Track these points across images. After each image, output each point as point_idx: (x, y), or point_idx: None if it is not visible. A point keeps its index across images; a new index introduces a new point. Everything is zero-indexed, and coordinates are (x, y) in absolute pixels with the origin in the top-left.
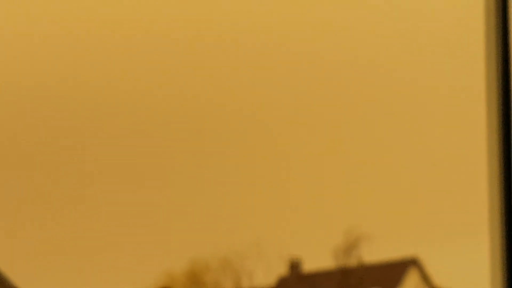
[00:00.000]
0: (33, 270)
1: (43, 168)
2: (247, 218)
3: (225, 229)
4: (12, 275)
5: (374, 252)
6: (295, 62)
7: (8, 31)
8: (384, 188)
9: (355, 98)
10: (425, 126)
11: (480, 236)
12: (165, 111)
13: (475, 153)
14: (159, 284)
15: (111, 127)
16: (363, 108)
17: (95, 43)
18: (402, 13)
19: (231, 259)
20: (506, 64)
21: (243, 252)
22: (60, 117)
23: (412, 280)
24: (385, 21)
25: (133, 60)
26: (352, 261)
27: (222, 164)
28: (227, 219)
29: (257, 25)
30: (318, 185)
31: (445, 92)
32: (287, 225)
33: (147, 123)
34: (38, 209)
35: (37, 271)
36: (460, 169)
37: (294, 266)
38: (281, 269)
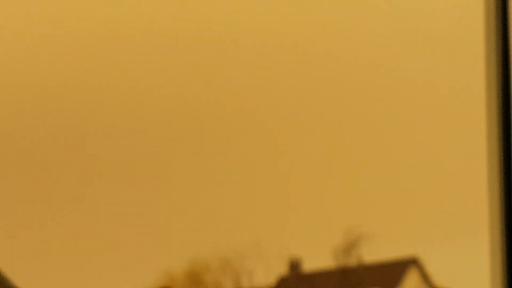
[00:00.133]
0: (33, 270)
1: (43, 168)
2: (247, 218)
3: (225, 229)
4: (12, 275)
5: (374, 252)
6: (295, 62)
7: (8, 31)
8: (384, 188)
9: (355, 98)
10: (425, 126)
11: (480, 236)
12: (165, 111)
13: (475, 153)
14: (159, 284)
15: (111, 127)
16: (363, 108)
17: (95, 43)
18: (402, 13)
19: (231, 259)
20: (506, 64)
21: (243, 252)
22: (60, 117)
23: (412, 280)
24: (385, 21)
25: (133, 60)
26: (352, 261)
27: (222, 164)
28: (227, 219)
29: (257, 25)
30: (318, 185)
31: (445, 92)
32: (287, 225)
33: (147, 123)
34: (38, 209)
35: (37, 271)
36: (460, 169)
37: (294, 266)
38: (281, 269)
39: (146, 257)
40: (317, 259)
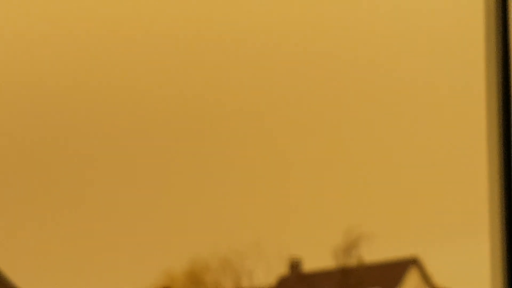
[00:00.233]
0: (33, 270)
1: (43, 168)
2: (247, 218)
3: (225, 229)
4: (12, 275)
5: (374, 252)
6: (295, 63)
7: (8, 31)
8: (384, 188)
9: (355, 98)
10: (425, 126)
11: (480, 236)
12: (165, 111)
13: (475, 153)
14: (159, 284)
15: (111, 127)
16: (363, 108)
17: (95, 43)
18: (402, 13)
19: (231, 259)
20: (506, 64)
21: (243, 252)
22: (60, 117)
23: (412, 280)
24: (385, 21)
25: (133, 60)
26: (352, 261)
27: (222, 164)
28: (227, 219)
29: (257, 25)
30: (318, 185)
31: (445, 92)
32: (287, 225)
33: (147, 123)
34: (38, 209)
35: (37, 271)
36: (460, 169)
37: (294, 266)
38: (281, 269)
39: (146, 257)
40: (317, 259)
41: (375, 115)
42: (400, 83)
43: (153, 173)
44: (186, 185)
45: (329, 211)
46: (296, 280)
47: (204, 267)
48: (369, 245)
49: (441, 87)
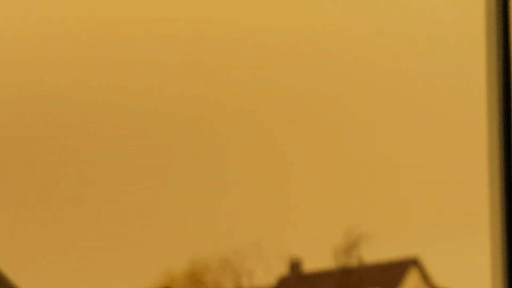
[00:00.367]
0: (33, 270)
1: (43, 168)
2: (247, 218)
3: (225, 229)
4: (12, 275)
5: (375, 252)
6: (295, 63)
7: (8, 31)
8: (385, 188)
9: (355, 98)
10: (425, 126)
11: (480, 236)
12: (165, 111)
13: (475, 153)
14: (159, 284)
15: (111, 127)
16: (363, 108)
17: (95, 43)
18: (402, 14)
19: (231, 259)
20: (507, 63)
21: (243, 252)
22: (60, 117)
23: (412, 280)
24: (386, 21)
25: (133, 60)
26: (352, 261)
27: (222, 164)
28: (227, 219)
29: (257, 25)
30: (318, 185)
31: (445, 92)
32: (287, 225)
33: (148, 123)
34: (38, 209)
35: (37, 271)
36: (460, 169)
37: (295, 266)
38: (281, 269)
39: (147, 257)
40: (318, 259)
41: (375, 115)
42: (400, 83)
43: (153, 173)
44: (186, 185)
45: (329, 211)
46: (296, 280)
47: (204, 267)
48: (369, 245)
49: (442, 88)
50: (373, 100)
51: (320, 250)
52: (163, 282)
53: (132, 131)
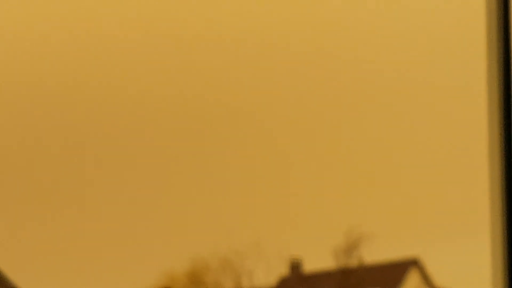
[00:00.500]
0: (33, 270)
1: (44, 168)
2: (248, 218)
3: (226, 229)
4: (12, 275)
5: (375, 253)
6: (295, 63)
7: (8, 31)
8: (385, 188)
9: (356, 98)
10: (426, 126)
11: (481, 236)
12: (165, 111)
13: (476, 153)
14: (160, 284)
15: (111, 127)
16: (364, 108)
17: (95, 43)
18: (402, 13)
19: (232, 259)
20: (507, 63)
21: (243, 252)
22: (61, 117)
23: (412, 280)
24: (386, 21)
25: (133, 60)
26: (352, 262)
27: (223, 164)
28: (227, 219)
29: (257, 25)
30: (318, 185)
31: (446, 92)
32: (287, 225)
33: (148, 123)
34: (38, 209)
35: (37, 271)
36: (461, 169)
37: (295, 266)
38: (281, 269)
39: (147, 258)
40: (318, 260)
41: (375, 115)
42: (400, 83)
43: (153, 173)
44: (187, 186)
45: (329, 212)
46: (297, 280)
47: (205, 267)
48: (369, 245)
49: (442, 87)
50: (373, 100)
51: (320, 251)
52: (164, 282)
53: (132, 131)
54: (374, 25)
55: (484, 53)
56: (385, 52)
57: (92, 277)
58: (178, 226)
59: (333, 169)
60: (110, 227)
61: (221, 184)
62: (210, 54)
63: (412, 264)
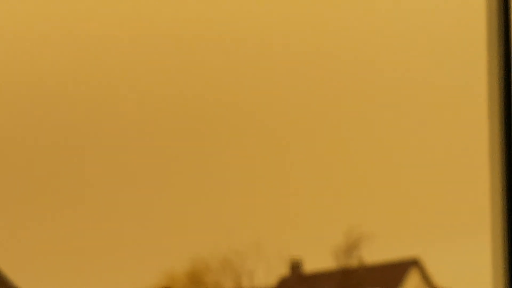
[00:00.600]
0: (33, 270)
1: (44, 168)
2: (248, 219)
3: (226, 229)
4: (12, 275)
5: (375, 253)
6: (295, 62)
7: (8, 31)
8: (385, 188)
9: (356, 98)
10: (426, 125)
11: (481, 236)
12: (165, 111)
13: (476, 153)
14: (160, 284)
15: (111, 126)
16: (364, 108)
17: (95, 43)
18: (403, 13)
19: (232, 260)
20: (508, 63)
21: (243, 253)
22: (61, 117)
23: (413, 280)
24: (387, 21)
25: (133, 59)
26: (353, 262)
27: (223, 164)
28: (227, 219)
29: (257, 25)
30: (318, 185)
31: (446, 92)
32: (287, 226)
33: (148, 123)
34: (38, 209)
35: (37, 271)
36: (461, 169)
37: (295, 266)
38: (281, 270)
39: (147, 258)
40: (318, 260)
41: (375, 115)
42: (401, 83)
43: (153, 173)
44: (187, 185)
45: (329, 212)
46: (297, 280)
47: (205, 268)
48: (369, 245)
49: (443, 87)
50: (373, 99)
51: (320, 251)
52: (164, 282)
53: (132, 131)
54: (375, 25)
55: (484, 52)
56: (384, 52)
57: (92, 277)
58: (178, 226)
59: (333, 169)
60: (110, 227)
61: (221, 184)
62: (210, 54)
63: (412, 264)
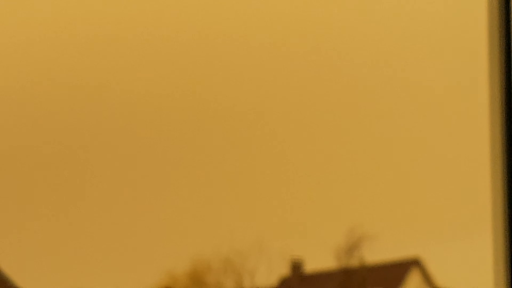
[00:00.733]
0: (34, 270)
1: (44, 168)
2: (249, 219)
3: (227, 229)
4: (13, 275)
5: (376, 252)
6: (296, 62)
7: (8, 31)
8: (386, 187)
9: (357, 98)
10: (427, 126)
11: (483, 236)
12: (167, 110)
13: (478, 152)
14: (161, 284)
15: (112, 126)
16: (364, 107)
17: (95, 43)
18: (404, 13)
19: (233, 259)
20: (508, 63)
21: (245, 253)
22: (61, 117)
23: (414, 280)
24: (387, 21)
25: (133, 59)
26: (354, 262)
27: (224, 164)
28: (229, 220)
29: (258, 25)
30: (320, 185)
31: (447, 91)
32: (289, 225)
33: (149, 122)
34: (39, 209)
35: (38, 271)
36: (462, 168)
37: (296, 266)
38: (283, 270)
39: (148, 258)
40: (319, 260)
41: (376, 115)
42: (402, 83)
43: (154, 172)
44: (188, 185)
45: (330, 212)
46: (298, 281)
47: (206, 268)
48: (370, 245)
49: (444, 87)
50: (374, 99)
51: (321, 251)
52: (165, 282)
53: (133, 131)
54: (375, 25)
55: (485, 52)
56: (385, 52)
57: (94, 277)
58: (179, 226)
59: (335, 169)
60: (111, 226)
61: (222, 184)
62: (210, 54)
63: (413, 264)
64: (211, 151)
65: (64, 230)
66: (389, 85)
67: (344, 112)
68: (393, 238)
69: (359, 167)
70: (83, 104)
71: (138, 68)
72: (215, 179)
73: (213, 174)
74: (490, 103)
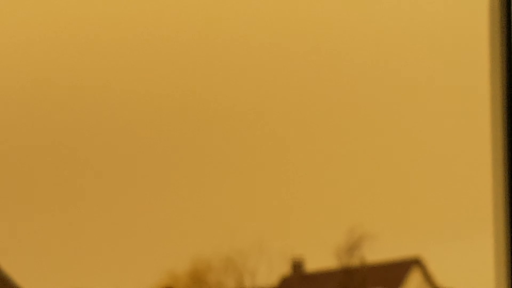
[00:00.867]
0: (34, 270)
1: (45, 168)
2: (250, 218)
3: (228, 228)
4: (14, 275)
5: (377, 252)
6: (296, 62)
7: (8, 31)
8: (387, 187)
9: (357, 98)
10: (428, 125)
11: (484, 236)
12: (166, 110)
13: (479, 152)
14: (162, 283)
15: (112, 126)
16: (365, 107)
17: (95, 43)
18: (404, 13)
19: (234, 259)
20: (510, 62)
21: (245, 252)
22: (61, 117)
23: (415, 280)
24: (388, 21)
25: (133, 59)
26: (354, 261)
27: (225, 163)
28: (229, 219)
29: (258, 25)
30: (320, 184)
31: (448, 91)
32: (289, 225)
33: (148, 122)
34: (39, 208)
35: (38, 270)
36: (464, 168)
37: (297, 266)
38: (283, 269)
39: (149, 257)
40: (320, 259)
41: (376, 115)
42: (403, 83)
43: (155, 172)
44: (188, 185)
45: (331, 211)
46: (299, 280)
47: (207, 267)
48: (371, 245)
49: (445, 87)
50: (375, 99)
51: (322, 250)
52: (165, 282)
53: (133, 131)
54: (376, 25)
55: (487, 52)
56: (385, 52)
57: (94, 276)
58: (180, 226)
59: (335, 169)
60: (112, 226)
61: (223, 183)
62: (210, 54)
63: (414, 263)
64: (211, 151)
65: (64, 230)
66: (390, 85)
67: (344, 112)
68: (393, 237)
69: (360, 167)
70: (83, 104)
71: (138, 68)
72: (215, 179)
73: (213, 174)
74: (491, 103)
